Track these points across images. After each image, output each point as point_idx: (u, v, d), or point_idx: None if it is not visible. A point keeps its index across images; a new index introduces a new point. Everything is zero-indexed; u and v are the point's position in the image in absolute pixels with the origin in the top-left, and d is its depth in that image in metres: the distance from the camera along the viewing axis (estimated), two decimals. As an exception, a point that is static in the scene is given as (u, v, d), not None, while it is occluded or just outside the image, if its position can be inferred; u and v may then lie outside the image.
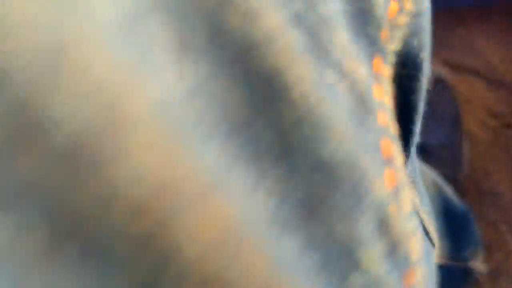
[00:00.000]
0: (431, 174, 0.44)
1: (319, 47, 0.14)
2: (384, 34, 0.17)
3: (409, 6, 0.19)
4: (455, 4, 0.70)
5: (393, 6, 0.18)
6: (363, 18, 0.16)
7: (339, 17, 0.15)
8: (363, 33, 0.16)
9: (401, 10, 0.18)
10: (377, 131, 0.16)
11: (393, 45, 0.18)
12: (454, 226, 0.46)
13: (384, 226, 0.15)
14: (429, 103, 0.65)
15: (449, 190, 0.46)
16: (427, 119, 0.64)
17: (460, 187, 0.68)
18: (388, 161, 0.16)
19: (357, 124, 0.15)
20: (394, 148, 0.17)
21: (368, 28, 0.16)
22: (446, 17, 0.71)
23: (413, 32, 0.20)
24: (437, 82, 0.67)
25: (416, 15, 0.20)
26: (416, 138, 0.25)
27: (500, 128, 0.69)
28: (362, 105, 0.16)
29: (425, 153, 0.62)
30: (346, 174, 0.14)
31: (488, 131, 0.70)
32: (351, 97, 0.15)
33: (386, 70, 0.18)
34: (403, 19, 0.19)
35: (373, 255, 0.15)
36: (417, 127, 0.23)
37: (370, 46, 0.17)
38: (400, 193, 0.16)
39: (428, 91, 0.66)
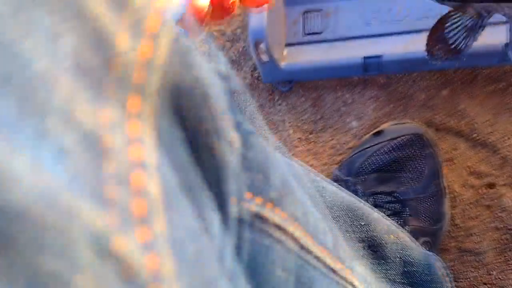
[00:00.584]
0: (387, 222, 0.44)
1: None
2: (138, 75, 0.19)
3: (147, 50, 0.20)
4: (440, 67, 0.73)
5: (144, 48, 0.19)
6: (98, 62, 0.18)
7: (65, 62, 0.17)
8: (103, 79, 0.17)
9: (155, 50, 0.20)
10: (124, 166, 0.17)
11: (153, 85, 0.19)
12: (414, 272, 0.46)
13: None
14: (407, 157, 0.66)
15: (406, 237, 0.46)
16: (404, 172, 0.65)
17: (440, 245, 0.68)
18: (138, 193, 0.17)
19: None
20: (147, 180, 0.18)
21: (110, 74, 0.18)
22: (432, 78, 0.74)
23: (183, 70, 0.21)
24: (415, 137, 0.68)
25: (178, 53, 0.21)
26: (238, 203, 0.25)
27: (483, 187, 0.70)
28: (92, 146, 0.16)
29: (402, 206, 0.63)
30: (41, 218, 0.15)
31: (471, 191, 0.70)
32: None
33: (147, 107, 0.19)
34: (160, 59, 0.20)
35: None
36: (231, 188, 0.24)
37: (122, 87, 0.18)
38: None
39: (406, 146, 0.67)
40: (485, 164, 0.71)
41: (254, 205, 0.26)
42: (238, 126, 0.25)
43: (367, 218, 0.42)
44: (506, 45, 0.67)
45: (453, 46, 0.59)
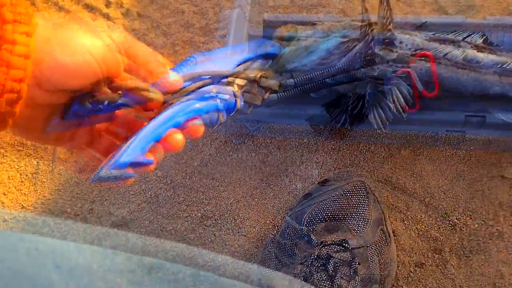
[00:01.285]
0: None
1: None
2: None
3: None
4: (403, 129, 0.75)
5: None
6: None
7: None
8: None
9: None
10: None
11: None
12: None
13: None
14: (352, 205, 0.67)
15: None
16: (351, 219, 0.67)
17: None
18: None
19: None
20: None
21: None
22: (395, 136, 0.76)
23: None
24: (358, 184, 0.70)
25: None
26: None
27: (429, 252, 0.72)
28: None
29: (351, 255, 0.64)
30: None
31: (418, 254, 0.72)
32: None
33: None
34: None
35: None
36: None
37: None
38: None
39: (350, 193, 0.69)
40: (435, 228, 0.73)
41: None
42: None
43: None
44: (465, 116, 0.70)
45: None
